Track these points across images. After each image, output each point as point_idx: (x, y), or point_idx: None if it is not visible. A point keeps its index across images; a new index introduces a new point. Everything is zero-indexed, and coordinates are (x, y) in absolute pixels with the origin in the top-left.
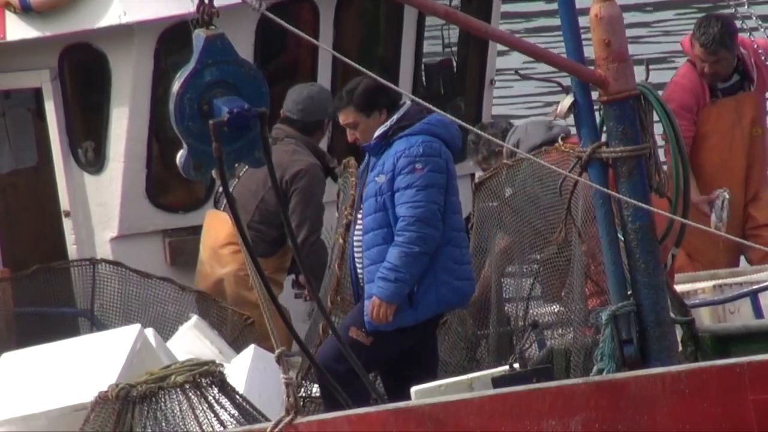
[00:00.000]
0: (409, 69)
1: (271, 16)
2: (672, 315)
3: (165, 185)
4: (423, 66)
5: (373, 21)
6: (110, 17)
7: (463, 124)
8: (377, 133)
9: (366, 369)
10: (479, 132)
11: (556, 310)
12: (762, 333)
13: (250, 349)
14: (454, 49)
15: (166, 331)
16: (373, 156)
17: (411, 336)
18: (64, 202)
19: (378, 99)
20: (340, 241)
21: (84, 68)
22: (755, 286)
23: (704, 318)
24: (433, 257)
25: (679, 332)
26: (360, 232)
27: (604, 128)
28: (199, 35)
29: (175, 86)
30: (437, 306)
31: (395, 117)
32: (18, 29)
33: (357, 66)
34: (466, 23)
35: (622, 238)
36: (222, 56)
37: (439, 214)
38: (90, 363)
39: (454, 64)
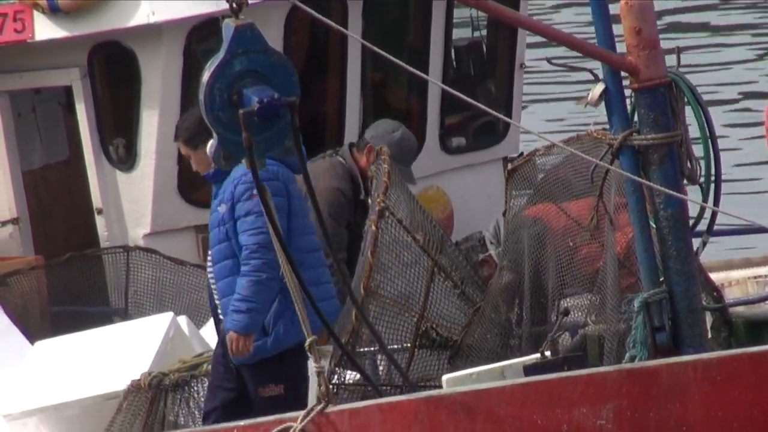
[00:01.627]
0: (439, 53)
1: (301, 5)
2: (705, 302)
3: (196, 181)
4: (453, 49)
5: (402, 6)
6: (139, 17)
7: (491, 111)
8: None
9: (296, 400)
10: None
11: (589, 298)
12: None
13: None
14: (484, 32)
15: (199, 318)
16: (214, 185)
17: (292, 361)
18: (97, 200)
19: (201, 131)
20: (373, 228)
21: (113, 66)
22: None
23: None
24: (284, 284)
25: (709, 318)
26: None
27: (635, 116)
28: (228, 24)
29: (205, 76)
30: (296, 333)
31: None
32: (46, 29)
33: (386, 55)
34: (497, 11)
35: (654, 226)
36: (251, 45)
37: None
38: (123, 351)
39: (484, 47)
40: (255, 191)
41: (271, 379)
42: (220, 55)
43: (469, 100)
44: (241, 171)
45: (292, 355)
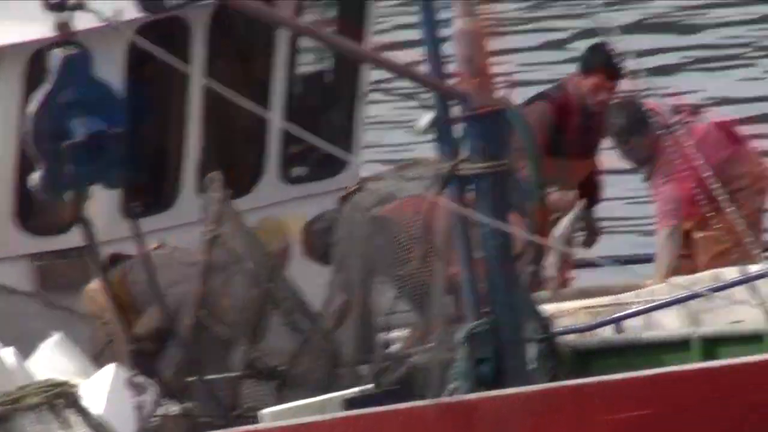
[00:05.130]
0: (282, 83)
1: (139, 38)
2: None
3: (35, 207)
4: (297, 78)
5: (247, 35)
6: None
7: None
8: None
9: None
10: None
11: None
12: (622, 348)
13: (111, 368)
14: (329, 63)
15: (30, 348)
16: None
17: None
18: None
19: None
20: (204, 257)
21: None
22: (619, 314)
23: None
24: None
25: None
26: None
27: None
28: (56, 54)
29: (32, 106)
30: None
31: None
32: None
33: (226, 91)
34: (339, 44)
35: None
36: (79, 76)
37: None
38: None
39: (328, 76)
40: None
41: None
42: (48, 85)
43: (303, 132)
44: None
45: None
